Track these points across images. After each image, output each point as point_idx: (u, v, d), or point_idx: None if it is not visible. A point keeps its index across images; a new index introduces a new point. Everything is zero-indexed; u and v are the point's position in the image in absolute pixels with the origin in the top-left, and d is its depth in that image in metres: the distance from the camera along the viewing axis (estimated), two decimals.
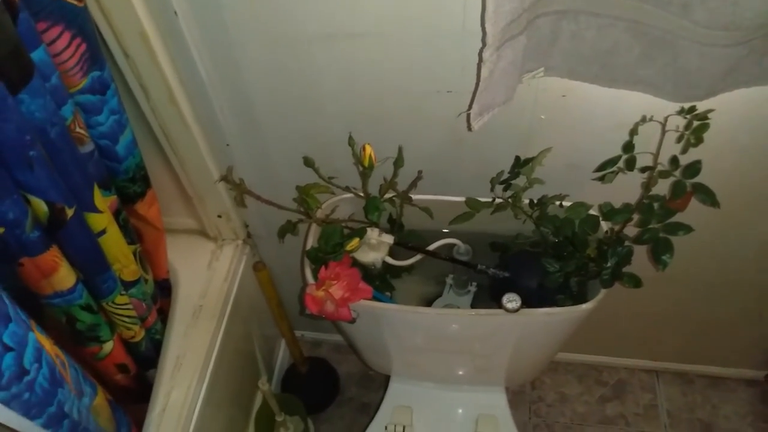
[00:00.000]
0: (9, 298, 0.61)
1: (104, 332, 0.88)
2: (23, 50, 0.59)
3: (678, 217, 0.95)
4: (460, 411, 1.03)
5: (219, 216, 1.08)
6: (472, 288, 0.98)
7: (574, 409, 1.42)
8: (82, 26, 0.69)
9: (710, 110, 0.68)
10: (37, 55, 0.62)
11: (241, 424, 1.24)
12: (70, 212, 0.71)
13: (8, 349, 0.60)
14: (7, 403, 0.61)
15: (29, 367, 0.63)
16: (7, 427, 0.63)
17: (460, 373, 1.01)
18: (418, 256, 0.90)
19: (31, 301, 0.76)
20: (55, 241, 0.72)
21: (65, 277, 0.75)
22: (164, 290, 1.10)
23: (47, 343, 0.68)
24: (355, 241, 0.81)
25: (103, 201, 0.79)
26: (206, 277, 1.10)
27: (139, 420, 0.95)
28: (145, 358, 1.01)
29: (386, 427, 1.00)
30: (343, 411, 1.45)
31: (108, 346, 0.90)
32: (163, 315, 1.08)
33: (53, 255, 0.72)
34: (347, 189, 0.88)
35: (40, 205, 0.68)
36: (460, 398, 1.05)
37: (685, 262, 1.07)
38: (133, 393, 1.03)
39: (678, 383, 1.44)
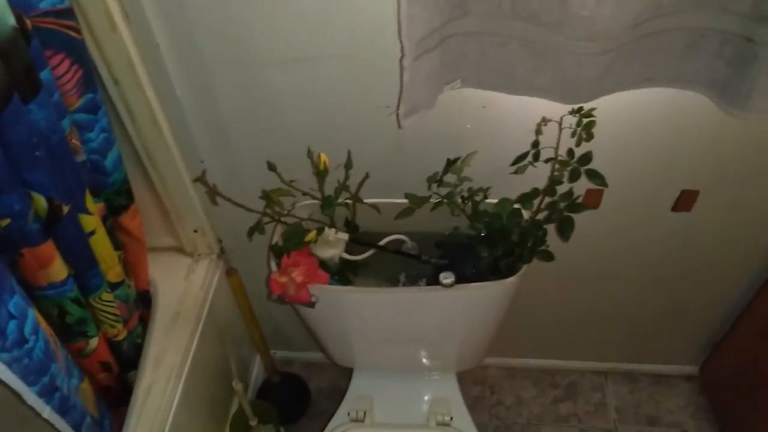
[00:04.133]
0: (12, 277, 0.73)
1: (91, 328, 0.98)
2: (34, 69, 0.73)
3: (594, 217, 1.11)
4: (416, 396, 1.14)
5: (195, 231, 1.20)
6: (422, 283, 1.11)
7: (530, 410, 1.52)
8: (80, 55, 0.83)
9: (593, 108, 0.84)
10: (44, 75, 0.76)
11: (218, 430, 1.31)
12: (65, 209, 0.83)
13: (12, 317, 0.71)
14: (9, 365, 0.71)
15: (28, 336, 0.74)
16: (10, 389, 0.73)
17: (414, 359, 1.13)
18: (371, 251, 1.03)
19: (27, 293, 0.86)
20: (51, 235, 0.84)
21: (59, 269, 0.86)
22: (145, 301, 1.20)
23: (43, 322, 0.79)
24: (313, 233, 0.94)
25: (94, 205, 0.92)
26: (183, 287, 1.21)
27: (119, 423, 1.02)
28: (127, 359, 1.10)
29: (348, 413, 1.09)
30: (314, 423, 1.52)
31: (93, 342, 1.00)
32: (144, 323, 1.17)
33: (49, 247, 0.83)
34: (307, 193, 1.01)
35: (41, 201, 0.80)
36: (416, 386, 1.16)
37: (610, 260, 1.23)
38: (115, 395, 1.11)
39: (625, 382, 1.56)
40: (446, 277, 0.92)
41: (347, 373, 1.26)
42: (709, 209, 1.08)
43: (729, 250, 1.17)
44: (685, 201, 1.07)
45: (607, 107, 0.87)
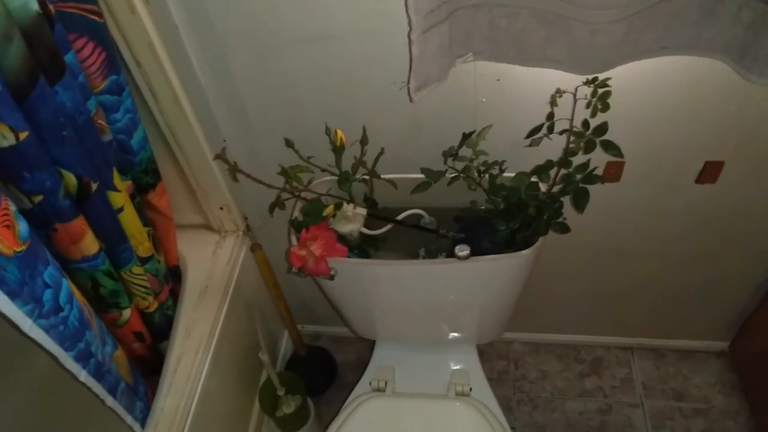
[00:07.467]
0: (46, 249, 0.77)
1: (123, 299, 1.03)
2: (58, 52, 0.77)
3: (617, 190, 1.10)
4: (437, 367, 1.16)
5: (221, 208, 1.24)
6: (442, 257, 1.12)
7: (555, 384, 1.53)
8: (102, 38, 0.87)
9: (608, 78, 0.83)
10: (68, 58, 0.80)
11: (247, 400, 1.37)
12: (94, 186, 0.88)
13: (47, 286, 0.75)
14: (47, 331, 0.76)
15: (63, 305, 0.78)
16: (49, 354, 0.78)
17: (434, 331, 1.15)
18: (390, 225, 1.05)
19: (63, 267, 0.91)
20: (82, 211, 0.88)
21: (91, 243, 0.91)
22: (175, 276, 1.25)
23: (77, 293, 0.84)
24: (330, 207, 0.96)
25: (121, 183, 0.96)
26: (211, 263, 1.26)
27: (153, 390, 1.08)
28: (159, 330, 1.15)
29: (370, 383, 1.12)
30: (342, 395, 1.56)
31: (126, 313, 1.05)
32: (174, 297, 1.23)
33: (81, 222, 0.88)
34: (325, 169, 1.04)
35: (70, 178, 0.84)
36: (437, 357, 1.18)
37: (635, 234, 1.21)
38: (149, 364, 1.17)
39: (651, 357, 1.54)
40: (461, 250, 0.93)
41: (373, 347, 1.30)
42: (734, 180, 1.05)
43: (757, 222, 1.14)
44: (709, 172, 1.04)
45: (624, 77, 0.86)
